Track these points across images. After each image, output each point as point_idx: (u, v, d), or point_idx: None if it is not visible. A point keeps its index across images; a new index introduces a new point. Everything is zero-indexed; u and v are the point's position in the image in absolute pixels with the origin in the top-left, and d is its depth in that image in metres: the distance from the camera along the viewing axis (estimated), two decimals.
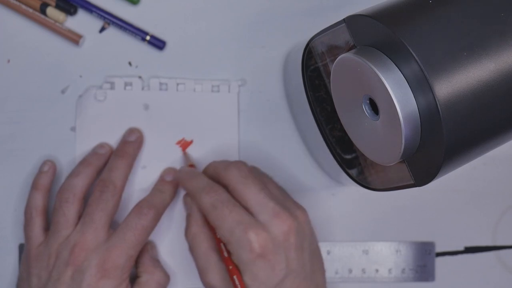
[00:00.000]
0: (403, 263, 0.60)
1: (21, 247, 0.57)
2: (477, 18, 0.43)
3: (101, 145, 0.56)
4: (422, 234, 0.60)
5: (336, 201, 0.59)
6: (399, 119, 0.43)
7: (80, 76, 0.57)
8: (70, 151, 0.57)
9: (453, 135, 0.42)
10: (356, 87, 0.46)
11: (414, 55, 0.41)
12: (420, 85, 0.42)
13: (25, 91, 0.57)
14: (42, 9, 0.56)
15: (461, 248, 0.60)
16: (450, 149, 0.42)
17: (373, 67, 0.43)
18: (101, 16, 0.57)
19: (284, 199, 0.54)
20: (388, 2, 0.45)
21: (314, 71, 0.53)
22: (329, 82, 0.51)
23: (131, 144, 0.56)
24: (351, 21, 0.46)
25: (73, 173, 0.55)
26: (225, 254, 0.52)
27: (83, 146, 0.57)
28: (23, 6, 0.56)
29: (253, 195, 0.51)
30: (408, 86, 0.43)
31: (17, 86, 0.57)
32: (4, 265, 0.57)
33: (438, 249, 0.60)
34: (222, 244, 0.53)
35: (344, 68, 0.47)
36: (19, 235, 0.57)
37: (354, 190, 0.59)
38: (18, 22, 0.57)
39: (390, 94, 0.43)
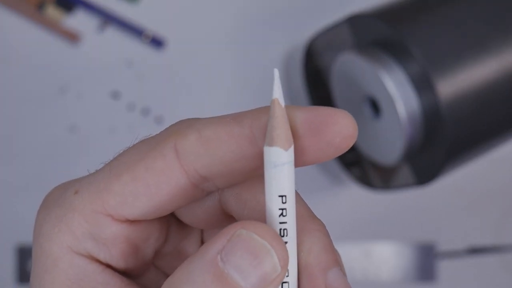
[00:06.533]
0: (404, 263, 0.59)
1: (19, 248, 0.56)
2: (480, 17, 0.43)
3: None
4: (424, 234, 0.59)
5: (337, 201, 0.59)
6: (400, 119, 0.43)
7: (79, 75, 0.57)
8: (69, 151, 0.56)
9: (455, 134, 0.42)
10: (357, 86, 0.46)
11: (417, 54, 0.41)
12: (423, 85, 0.42)
13: (23, 90, 0.56)
14: (40, 7, 0.56)
15: (463, 248, 0.60)
16: (452, 148, 0.42)
17: (374, 66, 0.43)
18: (100, 14, 0.56)
19: None
20: (390, 2, 0.45)
21: (315, 71, 0.53)
22: (330, 82, 0.51)
23: None
24: (353, 21, 0.46)
25: None
26: None
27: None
28: (21, 4, 0.56)
29: None
30: (410, 85, 0.43)
31: (14, 86, 0.56)
32: (3, 265, 0.56)
33: (440, 249, 0.60)
34: None
35: (345, 68, 0.46)
36: (18, 235, 0.56)
37: (355, 190, 0.58)
38: (15, 20, 0.56)
39: (391, 94, 0.43)
